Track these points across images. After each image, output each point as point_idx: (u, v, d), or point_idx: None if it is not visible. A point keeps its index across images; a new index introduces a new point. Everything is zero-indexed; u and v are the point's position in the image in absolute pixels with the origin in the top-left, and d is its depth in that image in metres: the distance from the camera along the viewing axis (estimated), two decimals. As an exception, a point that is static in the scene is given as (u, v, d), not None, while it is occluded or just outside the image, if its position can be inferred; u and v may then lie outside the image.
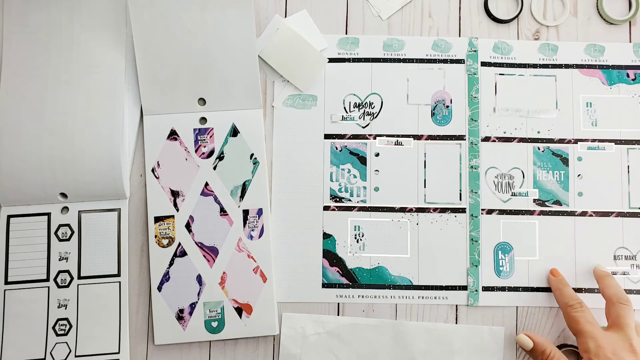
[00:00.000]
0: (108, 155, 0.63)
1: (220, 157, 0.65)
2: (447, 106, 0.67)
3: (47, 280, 0.63)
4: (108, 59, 0.66)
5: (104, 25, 0.66)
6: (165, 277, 0.63)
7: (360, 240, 0.65)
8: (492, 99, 0.67)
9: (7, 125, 0.64)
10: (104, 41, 0.66)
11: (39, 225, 0.64)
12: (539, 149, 0.67)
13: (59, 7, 0.66)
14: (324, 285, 0.65)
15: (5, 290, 0.62)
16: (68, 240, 0.64)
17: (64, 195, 0.64)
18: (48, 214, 0.64)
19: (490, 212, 0.66)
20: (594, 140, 0.67)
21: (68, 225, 0.64)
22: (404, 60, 0.67)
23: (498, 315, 0.64)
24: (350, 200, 0.66)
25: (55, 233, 0.64)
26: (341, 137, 0.67)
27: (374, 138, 0.67)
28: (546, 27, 0.68)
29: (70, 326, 0.62)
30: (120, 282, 0.63)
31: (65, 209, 0.64)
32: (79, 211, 0.64)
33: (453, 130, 0.67)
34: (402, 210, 0.66)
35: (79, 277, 0.63)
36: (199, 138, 0.65)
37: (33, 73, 0.65)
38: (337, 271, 0.65)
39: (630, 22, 0.68)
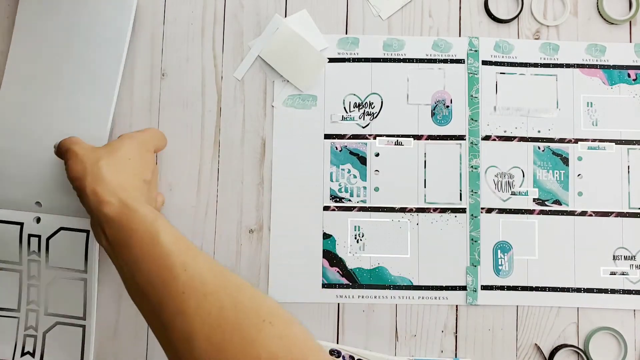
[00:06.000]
0: None
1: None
2: (447, 106, 0.67)
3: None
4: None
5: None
6: (166, 278, 0.63)
7: (360, 240, 0.65)
8: (492, 98, 0.67)
9: (4, 125, 0.63)
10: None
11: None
12: (539, 148, 0.67)
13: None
14: (324, 286, 0.65)
15: None
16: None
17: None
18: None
19: (489, 211, 0.66)
20: (594, 140, 0.67)
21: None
22: (404, 60, 0.67)
23: (498, 316, 0.64)
24: (350, 200, 0.66)
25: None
26: (341, 137, 0.67)
27: (374, 138, 0.67)
28: (546, 27, 0.68)
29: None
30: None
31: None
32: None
33: (453, 130, 0.67)
34: (402, 210, 0.66)
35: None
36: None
37: (33, 79, 0.64)
38: (337, 271, 0.65)
39: (630, 22, 0.68)
